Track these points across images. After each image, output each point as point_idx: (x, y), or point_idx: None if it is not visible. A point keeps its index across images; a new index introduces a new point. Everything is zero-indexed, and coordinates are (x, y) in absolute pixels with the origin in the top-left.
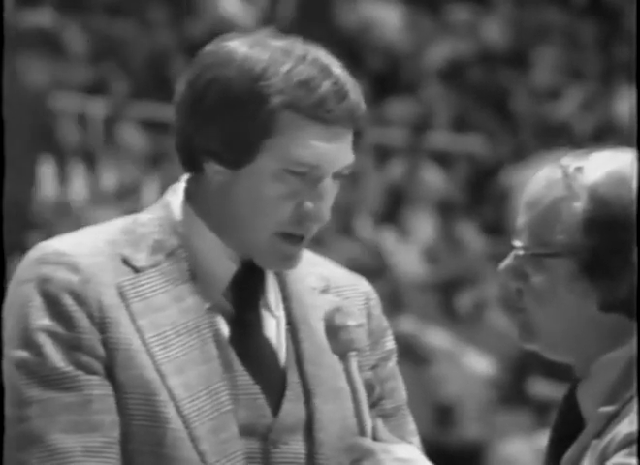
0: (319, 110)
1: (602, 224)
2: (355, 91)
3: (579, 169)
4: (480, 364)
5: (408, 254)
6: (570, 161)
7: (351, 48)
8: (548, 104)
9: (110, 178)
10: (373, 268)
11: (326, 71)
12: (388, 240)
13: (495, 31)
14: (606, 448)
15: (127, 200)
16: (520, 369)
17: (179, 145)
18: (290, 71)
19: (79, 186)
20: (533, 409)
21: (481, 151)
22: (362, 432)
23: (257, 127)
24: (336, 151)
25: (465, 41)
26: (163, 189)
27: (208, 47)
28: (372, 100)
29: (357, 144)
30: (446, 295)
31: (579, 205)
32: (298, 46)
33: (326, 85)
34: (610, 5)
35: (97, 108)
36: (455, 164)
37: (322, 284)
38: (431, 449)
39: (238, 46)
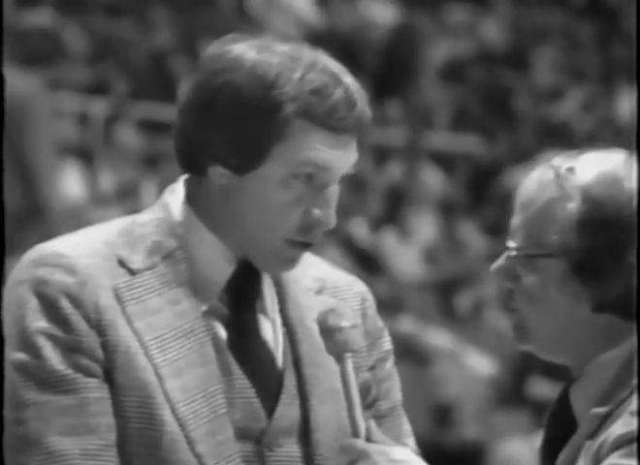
0: (330, 119)
1: (596, 224)
2: (362, 99)
3: (570, 169)
4: (480, 364)
5: (408, 254)
6: (561, 162)
7: (351, 48)
8: (548, 104)
9: (109, 179)
10: (371, 269)
11: (336, 79)
12: (388, 241)
13: (494, 31)
14: (600, 449)
15: (126, 200)
16: (520, 369)
17: (182, 147)
18: (302, 78)
19: (78, 186)
20: (533, 409)
21: (481, 151)
22: (355, 434)
23: (268, 133)
24: (342, 158)
25: (465, 41)
26: (162, 190)
27: (212, 50)
28: (372, 100)
29: (358, 145)
30: (446, 296)
31: (573, 206)
32: (305, 51)
33: (338, 93)
34: (609, 5)
35: (97, 108)
36: (455, 164)
37: (317, 285)
38: (430, 449)
39: (245, 50)
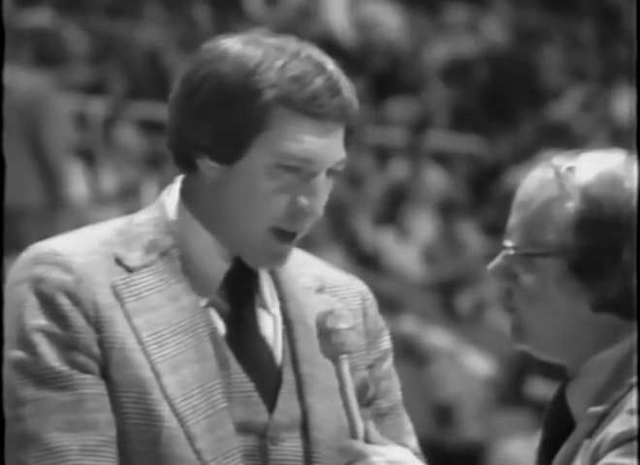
0: (311, 105)
1: (594, 224)
2: (348, 88)
3: (571, 169)
4: (480, 364)
5: (408, 254)
6: (562, 161)
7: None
8: (548, 104)
9: (109, 179)
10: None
11: (319, 67)
12: (388, 240)
13: (494, 31)
14: (598, 448)
15: (127, 200)
16: (519, 369)
17: (172, 143)
18: (284, 66)
19: (78, 186)
20: (533, 409)
21: (481, 151)
22: (353, 435)
23: (249, 121)
24: (327, 146)
25: (465, 41)
26: (163, 189)
27: (205, 46)
28: (372, 100)
29: (356, 144)
30: (446, 295)
31: (571, 205)
32: (291, 43)
33: (319, 81)
34: (610, 5)
35: (97, 108)
36: (455, 164)
37: (317, 284)
38: (430, 449)
39: (232, 43)
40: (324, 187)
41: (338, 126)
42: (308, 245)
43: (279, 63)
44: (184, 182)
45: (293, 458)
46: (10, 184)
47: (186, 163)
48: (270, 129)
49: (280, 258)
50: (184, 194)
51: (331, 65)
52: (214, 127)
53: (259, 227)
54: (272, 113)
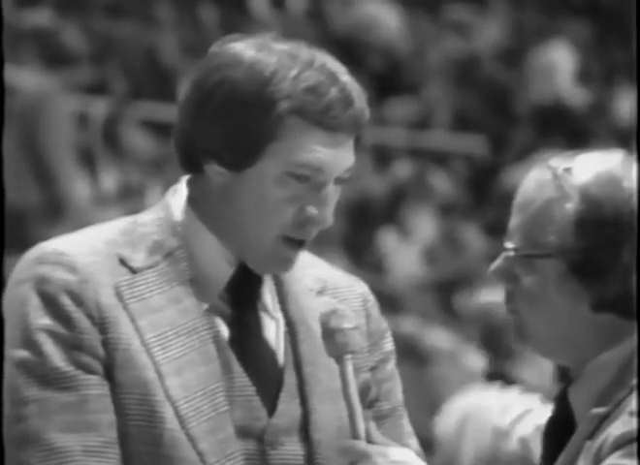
0: (325, 117)
1: (594, 224)
2: (360, 98)
3: (568, 169)
4: (480, 364)
5: (408, 254)
6: (559, 162)
7: (350, 49)
8: (548, 103)
9: (111, 179)
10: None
11: (332, 77)
12: (388, 240)
13: (495, 31)
14: (599, 449)
15: (129, 201)
16: None
17: (180, 145)
18: (297, 76)
19: (80, 187)
20: None
21: (481, 151)
22: (355, 435)
23: (262, 131)
24: (338, 157)
25: (465, 41)
26: (166, 190)
27: (214, 49)
28: (372, 100)
29: (357, 145)
30: (446, 296)
31: (571, 206)
32: (303, 50)
33: (333, 92)
34: (609, 5)
35: (97, 109)
36: (455, 164)
37: (319, 285)
38: (430, 449)
39: (244, 48)
40: (332, 196)
41: (350, 136)
42: (309, 245)
43: (293, 72)
44: (190, 184)
45: (293, 461)
46: (10, 185)
47: (193, 166)
48: (282, 138)
49: (287, 264)
50: (190, 195)
51: (344, 74)
52: (226, 133)
53: (267, 234)
54: (286, 124)
